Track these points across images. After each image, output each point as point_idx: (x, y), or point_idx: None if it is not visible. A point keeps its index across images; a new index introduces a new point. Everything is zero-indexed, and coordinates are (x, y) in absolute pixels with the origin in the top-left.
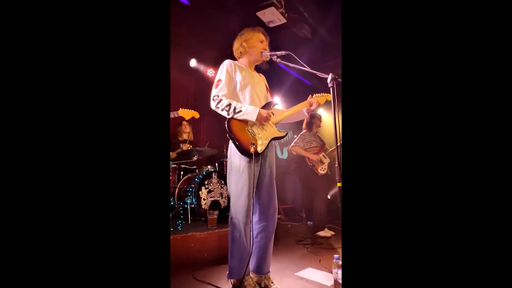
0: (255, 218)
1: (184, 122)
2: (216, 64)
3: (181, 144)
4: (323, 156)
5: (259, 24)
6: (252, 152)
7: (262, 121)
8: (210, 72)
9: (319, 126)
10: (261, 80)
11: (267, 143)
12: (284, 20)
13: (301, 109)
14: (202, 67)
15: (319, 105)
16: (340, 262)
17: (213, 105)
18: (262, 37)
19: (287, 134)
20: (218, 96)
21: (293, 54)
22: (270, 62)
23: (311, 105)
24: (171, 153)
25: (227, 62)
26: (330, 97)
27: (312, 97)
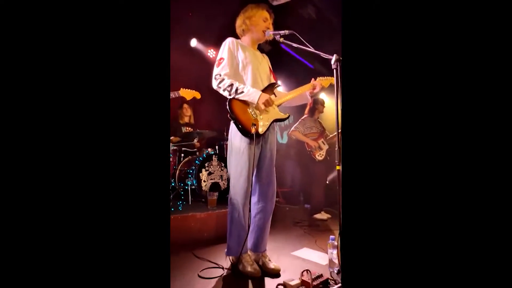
0: (254, 199)
1: (185, 105)
2: (217, 45)
3: (182, 127)
4: (322, 142)
5: (263, 1)
6: (253, 133)
7: (263, 104)
8: (211, 52)
9: (321, 112)
10: (264, 60)
11: (268, 125)
12: None
13: (304, 92)
14: (203, 48)
15: (322, 88)
16: (335, 243)
17: (214, 84)
18: (266, 14)
19: (289, 116)
20: (220, 75)
21: (297, 34)
22: (273, 43)
23: (314, 88)
24: (173, 137)
25: (229, 40)
26: (334, 80)
27: (315, 80)
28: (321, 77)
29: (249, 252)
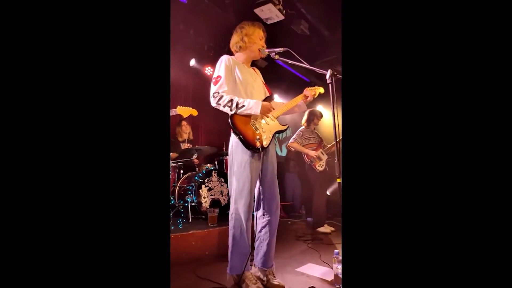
0: (259, 213)
1: (184, 123)
2: (213, 62)
3: (181, 144)
4: (321, 152)
5: (256, 21)
6: (259, 147)
7: (266, 113)
8: (208, 70)
9: (316, 124)
10: (257, 76)
11: (271, 137)
12: (282, 17)
13: (299, 102)
14: (199, 66)
15: (314, 98)
16: (340, 257)
17: (213, 102)
18: (262, 34)
19: (288, 127)
20: (218, 93)
21: (291, 51)
22: (268, 58)
23: (306, 97)
24: (172, 153)
25: (225, 58)
26: (322, 90)
27: (307, 89)
28: (309, 87)
29: (253, 269)
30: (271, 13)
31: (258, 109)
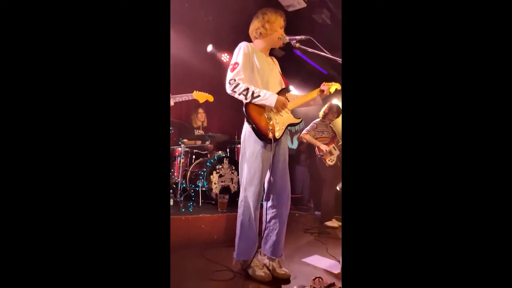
0: (269, 203)
1: (201, 111)
2: (230, 49)
3: (194, 130)
4: (333, 147)
5: (277, 8)
6: (271, 138)
7: (279, 107)
8: (224, 57)
9: (332, 120)
10: (275, 66)
11: (284, 129)
12: (304, 4)
13: (315, 96)
14: (216, 52)
15: (330, 94)
16: None
17: (229, 89)
18: (282, 23)
19: (301, 120)
20: (235, 80)
21: (313, 39)
22: (285, 49)
23: (322, 91)
24: (186, 140)
25: (244, 44)
26: (339, 86)
27: (324, 84)
28: (327, 83)
29: (260, 256)
30: (293, 0)
31: (273, 102)
